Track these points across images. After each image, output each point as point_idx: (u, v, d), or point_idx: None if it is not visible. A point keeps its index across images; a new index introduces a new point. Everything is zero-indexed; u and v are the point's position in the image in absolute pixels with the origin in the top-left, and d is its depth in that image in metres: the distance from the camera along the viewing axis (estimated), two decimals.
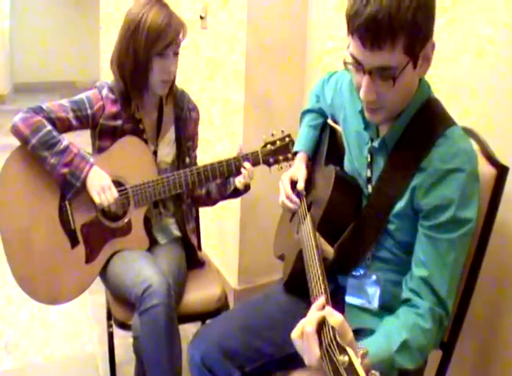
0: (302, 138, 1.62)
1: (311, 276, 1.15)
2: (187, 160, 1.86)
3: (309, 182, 1.53)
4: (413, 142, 1.17)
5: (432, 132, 1.14)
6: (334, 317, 0.89)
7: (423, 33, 1.04)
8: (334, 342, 0.83)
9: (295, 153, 1.62)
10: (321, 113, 1.62)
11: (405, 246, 1.20)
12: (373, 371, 0.76)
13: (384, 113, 1.16)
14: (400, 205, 1.18)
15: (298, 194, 1.51)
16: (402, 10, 0.99)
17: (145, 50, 1.64)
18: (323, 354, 0.86)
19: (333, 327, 0.86)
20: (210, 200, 1.95)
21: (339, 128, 1.49)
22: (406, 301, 1.15)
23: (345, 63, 1.12)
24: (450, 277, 1.13)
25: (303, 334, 0.91)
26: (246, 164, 1.74)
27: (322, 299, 0.98)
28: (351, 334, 0.91)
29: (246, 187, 1.81)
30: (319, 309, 0.95)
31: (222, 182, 1.85)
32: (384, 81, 1.07)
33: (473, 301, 1.31)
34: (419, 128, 1.17)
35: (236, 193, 1.84)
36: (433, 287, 1.12)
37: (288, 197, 1.50)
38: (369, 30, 1.01)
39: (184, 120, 1.86)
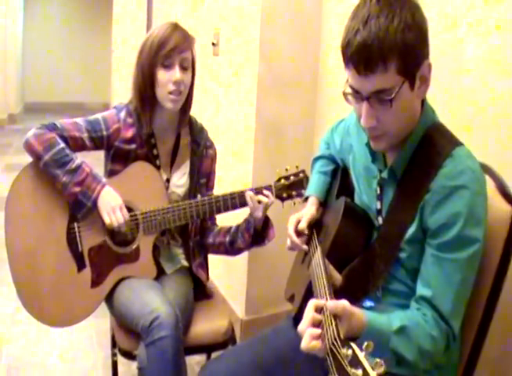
0: (313, 183, 1.60)
1: (318, 294, 1.13)
2: (198, 196, 1.79)
3: (320, 223, 1.51)
4: (421, 167, 1.16)
5: (439, 155, 1.13)
6: (336, 307, 0.93)
7: (416, 53, 1.06)
8: (337, 338, 0.84)
9: (306, 198, 1.59)
10: (331, 159, 1.61)
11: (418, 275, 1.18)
12: (378, 359, 0.75)
13: (388, 140, 1.16)
14: (412, 230, 1.16)
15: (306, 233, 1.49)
16: (391, 33, 1.01)
17: (149, 60, 1.66)
18: (327, 352, 0.86)
19: (334, 317, 0.89)
20: (233, 249, 1.85)
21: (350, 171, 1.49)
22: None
23: (344, 94, 1.13)
24: (455, 298, 1.11)
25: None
26: (266, 192, 1.71)
27: (320, 302, 0.97)
28: (356, 314, 0.96)
29: (271, 233, 1.78)
30: (316, 312, 0.96)
31: (246, 227, 1.78)
32: (381, 105, 1.08)
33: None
34: (426, 152, 1.16)
35: (260, 237, 1.78)
36: (436, 307, 1.10)
37: (289, 237, 1.49)
38: (361, 57, 1.03)
39: (200, 156, 1.84)
